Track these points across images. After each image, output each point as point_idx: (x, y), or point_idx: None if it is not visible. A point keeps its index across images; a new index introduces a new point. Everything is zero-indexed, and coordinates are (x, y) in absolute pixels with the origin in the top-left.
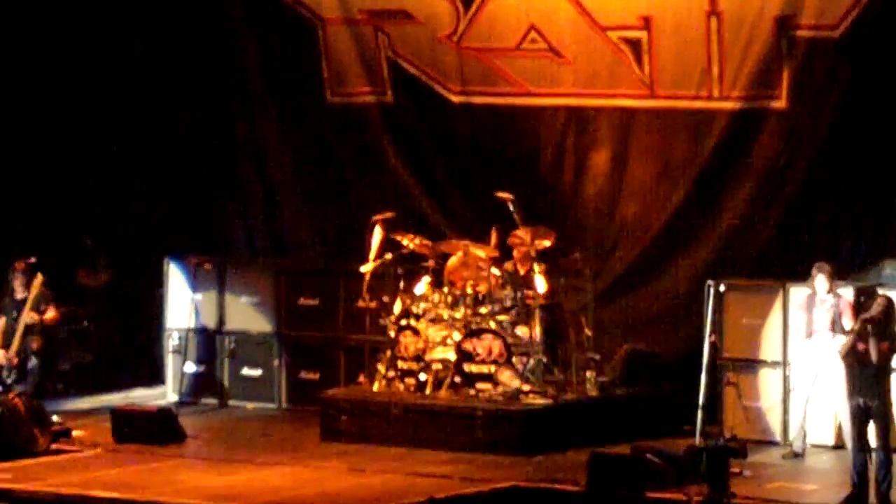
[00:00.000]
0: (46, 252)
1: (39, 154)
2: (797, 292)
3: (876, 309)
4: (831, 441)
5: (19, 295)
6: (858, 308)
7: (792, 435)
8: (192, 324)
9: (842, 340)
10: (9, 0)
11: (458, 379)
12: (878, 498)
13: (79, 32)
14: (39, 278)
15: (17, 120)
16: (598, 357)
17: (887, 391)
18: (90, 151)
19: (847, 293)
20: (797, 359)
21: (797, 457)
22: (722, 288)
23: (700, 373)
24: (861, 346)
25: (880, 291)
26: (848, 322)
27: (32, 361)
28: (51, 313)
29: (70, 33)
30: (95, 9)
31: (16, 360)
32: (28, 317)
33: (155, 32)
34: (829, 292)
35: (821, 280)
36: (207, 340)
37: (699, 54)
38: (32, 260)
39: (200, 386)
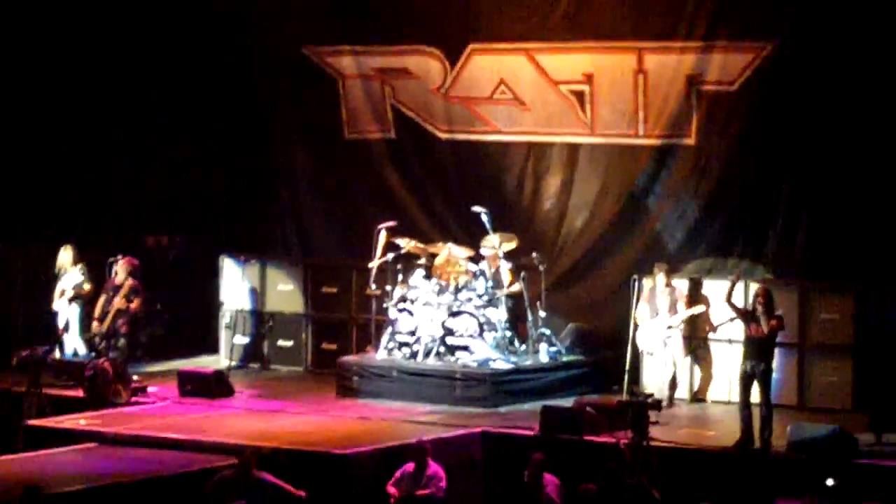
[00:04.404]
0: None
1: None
2: (709, 285)
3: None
4: (726, 397)
5: (118, 281)
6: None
7: (665, 393)
8: (240, 305)
9: (677, 319)
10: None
11: (442, 349)
12: (762, 444)
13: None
14: (131, 281)
15: (97, 126)
16: (549, 333)
17: (770, 358)
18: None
19: (680, 284)
20: (645, 335)
21: (672, 407)
22: (644, 281)
23: (627, 346)
24: (753, 326)
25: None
26: (682, 306)
27: (121, 341)
28: (135, 304)
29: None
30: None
31: (104, 331)
32: (120, 303)
33: (217, 84)
34: (666, 285)
35: (660, 276)
36: (252, 318)
37: (629, 103)
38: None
39: (246, 354)
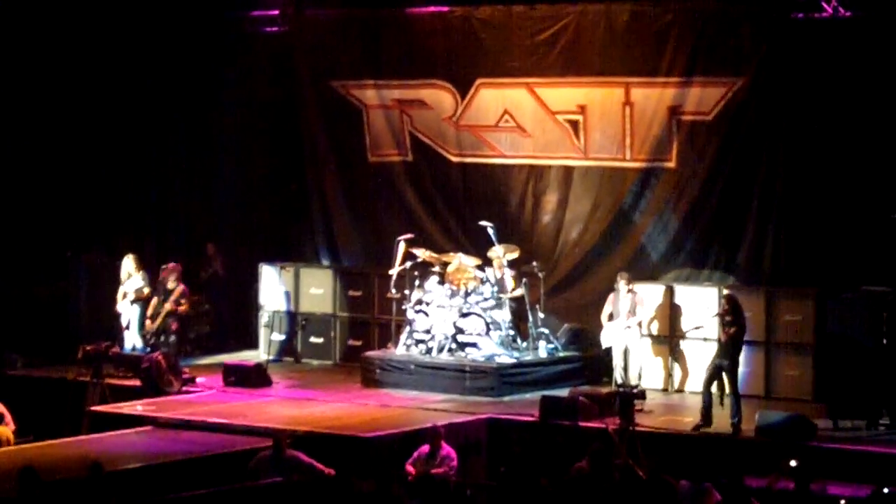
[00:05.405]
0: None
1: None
2: (680, 290)
3: (722, 306)
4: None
5: (170, 286)
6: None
7: (631, 380)
8: (277, 307)
9: (633, 321)
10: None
11: (453, 345)
12: (732, 428)
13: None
14: (181, 287)
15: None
16: (547, 332)
17: (736, 357)
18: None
19: (640, 290)
20: (606, 334)
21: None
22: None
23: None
24: (721, 330)
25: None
26: (641, 310)
27: (172, 339)
28: (184, 306)
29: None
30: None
31: (154, 329)
32: (171, 307)
33: (260, 119)
34: (628, 291)
35: (623, 283)
36: (288, 318)
37: (617, 130)
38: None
39: (282, 349)
